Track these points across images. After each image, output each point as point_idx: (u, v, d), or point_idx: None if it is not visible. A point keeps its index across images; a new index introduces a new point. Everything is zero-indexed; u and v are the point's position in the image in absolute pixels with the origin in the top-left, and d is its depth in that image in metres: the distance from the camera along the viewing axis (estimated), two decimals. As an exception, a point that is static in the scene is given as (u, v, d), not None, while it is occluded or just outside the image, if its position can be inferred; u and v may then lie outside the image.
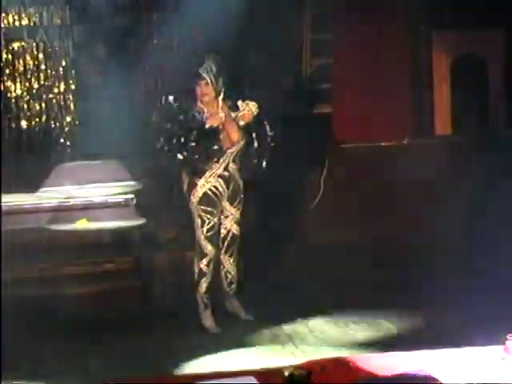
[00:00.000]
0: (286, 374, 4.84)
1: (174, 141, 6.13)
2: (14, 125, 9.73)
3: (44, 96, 9.83)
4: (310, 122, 9.33)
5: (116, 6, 9.75)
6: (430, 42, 9.12)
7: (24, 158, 9.37)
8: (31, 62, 9.77)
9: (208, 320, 6.38)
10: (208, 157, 6.22)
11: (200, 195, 6.32)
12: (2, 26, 9.56)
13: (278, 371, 4.94)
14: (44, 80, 9.82)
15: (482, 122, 9.17)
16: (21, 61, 9.77)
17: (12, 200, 7.91)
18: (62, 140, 9.83)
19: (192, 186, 6.32)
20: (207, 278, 6.41)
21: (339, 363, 5.39)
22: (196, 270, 6.41)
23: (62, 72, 9.84)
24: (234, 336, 6.27)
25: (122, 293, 6.95)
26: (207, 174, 6.29)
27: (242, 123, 6.32)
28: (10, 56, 9.71)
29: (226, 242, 6.52)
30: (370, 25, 8.88)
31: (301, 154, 8.67)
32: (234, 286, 6.60)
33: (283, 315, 6.57)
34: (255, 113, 6.36)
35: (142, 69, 9.84)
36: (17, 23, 9.71)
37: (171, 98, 6.30)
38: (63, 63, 9.83)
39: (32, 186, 8.26)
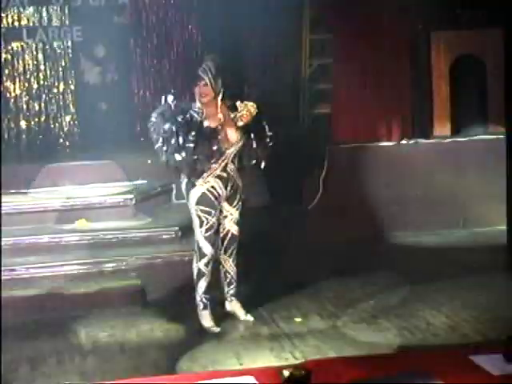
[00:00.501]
0: (286, 373, 4.84)
1: (173, 141, 6.11)
2: (13, 125, 9.73)
3: (43, 96, 9.83)
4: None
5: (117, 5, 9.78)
6: (428, 42, 9.12)
7: (23, 157, 9.38)
8: (30, 62, 9.77)
9: (206, 320, 6.37)
10: (207, 157, 6.19)
11: (198, 195, 6.29)
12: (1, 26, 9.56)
13: (277, 371, 4.94)
14: (43, 80, 9.82)
15: (481, 122, 9.17)
16: (20, 61, 9.76)
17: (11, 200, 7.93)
18: (61, 140, 9.84)
19: (190, 185, 6.31)
20: (206, 278, 6.40)
21: (339, 363, 5.39)
22: (195, 270, 6.40)
23: (61, 72, 9.84)
24: (234, 336, 6.26)
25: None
26: (206, 174, 6.26)
27: (240, 124, 6.30)
28: (9, 56, 9.71)
29: (225, 242, 6.50)
30: (369, 25, 8.88)
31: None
32: (233, 286, 6.55)
33: (282, 315, 6.57)
34: (254, 113, 6.33)
35: (145, 68, 9.85)
36: (16, 23, 9.71)
37: (170, 98, 6.24)
38: (62, 63, 9.83)
39: (32, 186, 8.26)
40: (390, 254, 7.96)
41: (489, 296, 6.73)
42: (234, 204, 6.45)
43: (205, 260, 6.37)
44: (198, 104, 6.25)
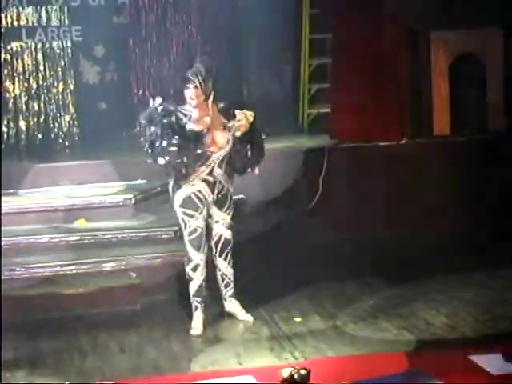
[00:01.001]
0: (285, 373, 4.85)
1: (157, 144, 6.03)
2: (12, 125, 9.73)
3: (42, 96, 9.82)
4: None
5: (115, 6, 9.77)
6: (428, 42, 9.11)
7: (23, 157, 9.38)
8: (30, 62, 9.77)
9: (194, 321, 6.33)
10: (190, 161, 6.07)
11: (183, 197, 6.22)
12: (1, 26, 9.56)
13: (277, 371, 4.95)
14: (42, 80, 9.81)
15: (481, 122, 9.17)
16: (19, 61, 9.76)
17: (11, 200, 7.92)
18: (60, 140, 9.83)
19: (176, 187, 6.24)
20: (194, 282, 6.34)
21: (338, 363, 5.40)
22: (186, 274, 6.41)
23: (60, 72, 9.83)
24: (234, 336, 6.27)
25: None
26: (191, 176, 6.17)
27: (238, 134, 6.25)
28: (8, 56, 9.70)
29: (218, 247, 6.44)
30: (368, 25, 8.87)
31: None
32: (230, 287, 6.51)
33: (282, 315, 6.57)
34: (251, 121, 6.30)
35: (144, 68, 9.85)
36: (15, 23, 9.71)
37: (157, 100, 6.17)
38: (62, 63, 9.83)
39: (31, 186, 8.26)
40: (390, 254, 7.95)
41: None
42: (225, 209, 6.39)
43: (191, 265, 6.34)
44: (187, 107, 6.16)
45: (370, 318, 6.42)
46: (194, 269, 6.32)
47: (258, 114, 10.06)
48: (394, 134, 8.98)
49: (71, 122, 9.83)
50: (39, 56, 9.76)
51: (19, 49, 9.73)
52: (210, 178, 6.23)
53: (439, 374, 4.86)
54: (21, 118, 9.74)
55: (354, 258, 7.83)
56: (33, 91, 9.77)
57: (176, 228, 7.57)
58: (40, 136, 9.80)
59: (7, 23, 9.64)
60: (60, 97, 9.83)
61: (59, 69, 9.81)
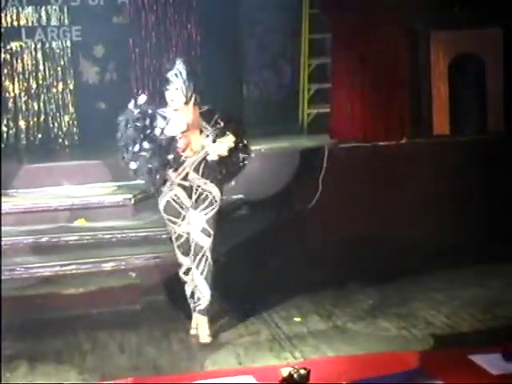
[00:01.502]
0: (285, 373, 4.86)
1: (130, 148, 5.87)
2: (12, 124, 9.74)
3: (42, 96, 9.83)
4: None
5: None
6: (428, 42, 9.11)
7: (22, 157, 9.38)
8: (29, 62, 9.77)
9: (194, 322, 6.26)
10: (161, 166, 5.89)
11: (164, 203, 6.11)
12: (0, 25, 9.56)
13: (276, 370, 4.95)
14: (42, 80, 9.82)
15: (481, 122, 9.17)
16: (19, 61, 9.77)
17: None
18: (60, 140, 9.83)
19: (159, 192, 6.12)
20: (189, 285, 6.26)
21: (338, 363, 5.40)
22: None
23: (60, 72, 9.84)
24: (234, 336, 6.26)
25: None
26: (168, 181, 6.04)
27: (210, 158, 5.96)
28: (8, 56, 9.71)
29: (192, 252, 6.14)
30: (368, 25, 8.87)
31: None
32: (200, 302, 6.15)
33: (282, 315, 6.57)
34: (232, 145, 5.98)
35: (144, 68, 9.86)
36: (15, 23, 9.71)
37: (138, 100, 5.95)
38: (61, 63, 9.83)
39: (31, 186, 8.26)
40: (389, 254, 7.96)
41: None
42: (200, 209, 6.07)
43: (182, 269, 6.27)
44: (168, 108, 5.99)
45: (369, 317, 6.43)
46: (186, 272, 6.24)
47: (258, 114, 10.16)
48: (394, 133, 8.98)
49: (71, 122, 9.84)
50: (39, 56, 9.77)
51: (19, 48, 9.74)
52: (186, 183, 6.04)
53: (439, 374, 4.86)
54: (20, 117, 9.75)
55: (353, 257, 7.83)
56: (32, 91, 9.77)
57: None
58: (40, 136, 9.80)
59: (7, 23, 9.65)
60: (60, 97, 9.84)
61: (59, 69, 9.82)
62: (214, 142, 5.97)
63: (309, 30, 9.93)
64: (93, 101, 9.90)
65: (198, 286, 6.13)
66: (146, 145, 5.84)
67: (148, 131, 5.86)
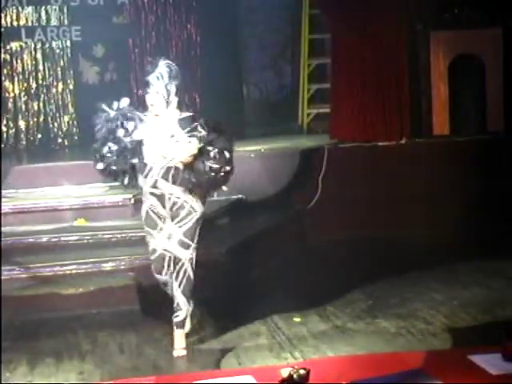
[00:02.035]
0: (285, 373, 4.85)
1: (100, 149, 5.71)
2: (12, 124, 9.74)
3: (42, 96, 9.83)
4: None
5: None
6: (427, 42, 9.12)
7: (22, 157, 9.39)
8: (29, 62, 9.78)
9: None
10: (126, 171, 5.70)
11: (143, 214, 5.83)
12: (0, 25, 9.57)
13: (276, 371, 4.95)
14: (42, 80, 9.83)
15: (481, 122, 9.17)
16: (19, 61, 9.77)
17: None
18: (60, 140, 9.84)
19: (139, 201, 5.95)
20: (171, 297, 5.91)
21: (338, 363, 5.40)
22: None
23: (59, 72, 9.85)
24: (233, 336, 6.26)
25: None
26: (143, 190, 5.78)
27: (177, 164, 5.66)
28: (7, 56, 9.72)
29: (171, 265, 5.84)
30: (368, 24, 8.88)
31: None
32: (178, 314, 5.86)
33: (282, 315, 6.57)
34: (195, 152, 5.60)
35: (143, 68, 9.84)
36: (15, 23, 9.72)
37: (121, 103, 5.82)
38: (61, 63, 9.84)
39: (31, 186, 8.27)
40: (389, 254, 7.96)
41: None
42: (176, 223, 5.75)
43: (160, 282, 5.98)
44: (148, 113, 5.76)
45: (369, 317, 6.42)
46: (164, 285, 5.93)
47: (258, 114, 10.17)
48: (394, 133, 8.99)
49: (70, 122, 9.86)
50: (39, 56, 9.79)
51: (19, 49, 9.76)
52: (157, 192, 5.71)
53: (439, 374, 4.86)
54: (20, 117, 9.76)
55: (353, 257, 7.83)
56: (32, 91, 9.79)
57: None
58: (39, 136, 9.82)
59: (7, 23, 9.66)
60: (59, 97, 9.86)
61: (59, 69, 9.84)
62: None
63: (309, 30, 9.95)
64: (93, 101, 9.88)
65: (176, 299, 5.83)
66: (112, 146, 5.67)
67: (120, 134, 5.68)
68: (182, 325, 5.87)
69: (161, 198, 5.73)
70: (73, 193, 8.19)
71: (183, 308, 5.84)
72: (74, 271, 7.10)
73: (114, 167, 5.73)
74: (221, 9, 9.56)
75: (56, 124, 9.85)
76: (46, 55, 9.81)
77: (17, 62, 9.77)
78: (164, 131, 5.68)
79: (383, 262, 7.72)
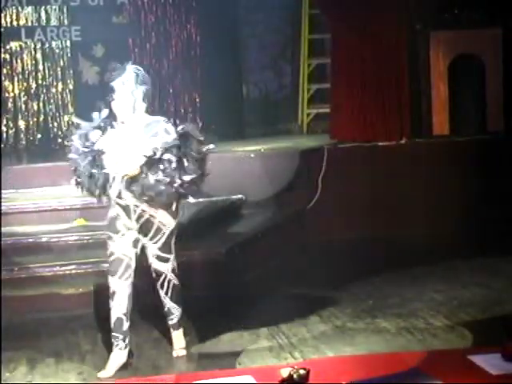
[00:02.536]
0: (285, 373, 4.86)
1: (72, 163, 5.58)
2: (11, 124, 9.74)
3: (42, 96, 9.83)
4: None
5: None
6: (427, 42, 9.13)
7: (22, 157, 9.38)
8: (29, 62, 9.78)
9: (109, 361, 5.66)
10: (88, 181, 5.51)
11: (108, 219, 5.67)
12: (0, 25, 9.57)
13: (276, 371, 4.95)
14: (42, 80, 9.82)
15: (480, 122, 9.18)
16: (18, 61, 9.77)
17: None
18: (59, 140, 9.84)
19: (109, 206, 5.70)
20: (113, 313, 5.61)
21: (338, 363, 5.40)
22: None
23: (59, 72, 9.84)
24: (233, 336, 6.27)
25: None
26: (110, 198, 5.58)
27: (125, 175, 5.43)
28: (7, 56, 9.71)
29: (153, 275, 5.75)
30: (368, 24, 8.88)
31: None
32: (171, 317, 5.82)
33: (282, 315, 6.57)
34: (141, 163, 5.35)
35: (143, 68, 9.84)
36: (14, 23, 9.72)
37: (102, 113, 5.58)
38: (61, 63, 9.84)
39: (31, 186, 8.26)
40: (389, 254, 7.97)
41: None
42: (149, 237, 5.58)
43: (110, 291, 5.61)
44: (116, 121, 5.53)
45: (369, 317, 6.42)
46: (112, 296, 5.61)
47: (258, 114, 10.16)
48: (394, 133, 8.99)
49: (70, 122, 9.85)
50: (38, 56, 9.79)
51: (18, 48, 9.75)
52: (122, 202, 5.51)
53: (439, 374, 4.86)
54: (20, 117, 9.76)
55: (353, 257, 7.83)
56: (32, 91, 9.78)
57: (175, 228, 7.58)
58: (39, 136, 9.81)
59: (6, 23, 9.66)
60: (59, 97, 9.85)
61: (58, 69, 9.83)
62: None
63: (309, 30, 9.95)
64: (92, 101, 9.88)
65: (166, 305, 5.79)
66: (74, 156, 5.53)
67: (81, 144, 5.50)
68: (177, 326, 5.85)
69: (126, 209, 5.53)
70: (73, 193, 8.16)
71: (175, 312, 5.83)
72: (73, 271, 7.11)
73: (77, 178, 5.61)
74: (221, 9, 9.56)
75: (56, 124, 9.85)
76: (45, 55, 9.80)
77: (16, 62, 9.76)
78: (127, 139, 5.43)
79: (383, 261, 7.72)
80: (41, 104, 9.84)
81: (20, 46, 9.76)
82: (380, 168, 8.78)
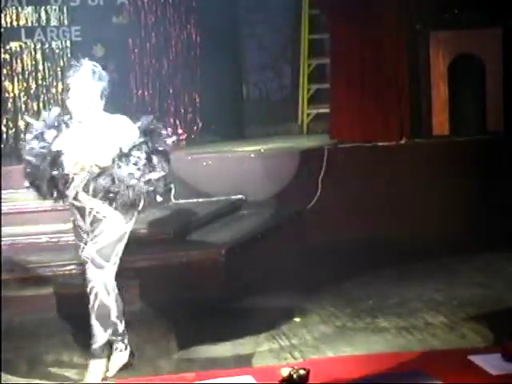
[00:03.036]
0: (285, 373, 4.85)
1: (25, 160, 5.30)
2: (11, 124, 9.74)
3: (42, 96, 9.83)
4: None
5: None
6: (427, 42, 9.13)
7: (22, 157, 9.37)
8: (29, 62, 9.77)
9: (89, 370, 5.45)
10: (44, 183, 5.22)
11: (72, 224, 5.51)
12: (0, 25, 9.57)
13: (276, 371, 4.95)
14: (42, 80, 9.82)
15: (480, 122, 9.18)
16: (18, 61, 9.77)
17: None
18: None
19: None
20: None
21: (338, 363, 5.40)
22: None
23: (59, 72, 9.84)
24: (232, 336, 6.27)
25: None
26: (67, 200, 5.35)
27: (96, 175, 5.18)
28: (7, 56, 9.71)
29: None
30: (367, 24, 8.88)
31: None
32: (93, 341, 5.36)
33: (282, 315, 6.58)
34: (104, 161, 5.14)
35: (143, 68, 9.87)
36: (14, 23, 9.71)
37: (52, 111, 5.35)
38: (61, 63, 9.83)
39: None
40: (389, 254, 7.97)
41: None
42: (92, 239, 5.30)
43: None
44: (72, 121, 5.31)
45: (369, 317, 6.42)
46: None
47: (258, 114, 10.16)
48: (394, 134, 8.99)
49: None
50: (38, 56, 9.78)
51: (18, 49, 9.74)
52: (77, 204, 5.28)
53: (439, 374, 4.86)
54: (20, 117, 9.75)
55: (353, 257, 7.83)
56: (32, 91, 9.77)
57: (175, 228, 7.59)
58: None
59: (6, 23, 9.65)
60: (59, 97, 9.84)
61: (58, 69, 9.82)
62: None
63: (309, 30, 9.95)
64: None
65: (93, 326, 5.33)
66: (31, 159, 5.23)
67: (36, 144, 5.22)
68: (97, 354, 5.35)
69: (81, 211, 5.31)
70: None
71: (97, 334, 5.33)
72: (73, 271, 7.10)
73: (30, 180, 5.28)
74: (221, 9, 9.55)
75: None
76: (45, 55, 9.79)
77: (16, 62, 9.75)
78: (85, 139, 5.20)
79: (383, 262, 7.72)
80: (41, 104, 9.83)
81: (20, 46, 9.75)
82: (380, 168, 8.78)
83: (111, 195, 5.15)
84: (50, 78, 9.83)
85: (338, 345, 5.89)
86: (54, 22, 9.76)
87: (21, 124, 9.74)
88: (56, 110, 5.36)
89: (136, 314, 6.72)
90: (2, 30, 9.59)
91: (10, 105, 9.74)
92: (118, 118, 5.28)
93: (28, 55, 9.76)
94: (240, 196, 8.44)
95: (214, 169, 8.62)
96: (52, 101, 9.82)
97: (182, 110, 9.97)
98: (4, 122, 9.69)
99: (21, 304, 6.75)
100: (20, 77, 9.77)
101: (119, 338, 5.47)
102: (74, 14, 9.74)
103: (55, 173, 5.19)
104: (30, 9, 9.72)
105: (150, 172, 5.14)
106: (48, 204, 7.82)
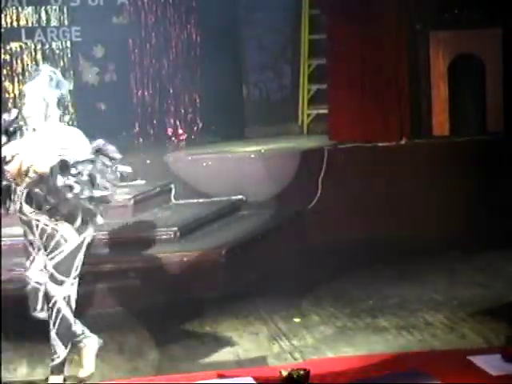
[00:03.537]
0: (285, 373, 4.85)
1: None
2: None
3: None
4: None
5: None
6: (427, 42, 9.13)
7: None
8: (29, 63, 9.78)
9: None
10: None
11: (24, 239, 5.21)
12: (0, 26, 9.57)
13: (276, 371, 4.95)
14: (42, 80, 9.82)
15: (480, 122, 9.17)
16: (19, 61, 9.77)
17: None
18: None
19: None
20: None
21: (338, 363, 5.40)
22: None
23: (60, 72, 9.83)
24: (232, 336, 6.27)
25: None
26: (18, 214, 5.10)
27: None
28: (7, 56, 9.72)
29: (46, 302, 5.14)
30: (367, 24, 8.88)
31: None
32: (54, 357, 5.17)
33: (282, 315, 6.57)
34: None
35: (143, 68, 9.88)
36: (15, 24, 9.72)
37: (11, 114, 5.11)
38: (61, 63, 9.84)
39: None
40: (389, 254, 7.96)
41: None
42: (48, 255, 5.03)
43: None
44: (27, 128, 5.07)
45: (369, 317, 6.42)
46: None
47: (258, 115, 10.17)
48: (394, 134, 8.99)
49: (70, 123, 9.84)
50: (38, 56, 9.78)
51: (19, 49, 9.75)
52: (24, 217, 5.06)
53: (438, 375, 4.86)
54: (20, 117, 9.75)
55: (353, 257, 7.83)
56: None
57: (175, 228, 7.59)
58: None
59: (7, 23, 9.66)
60: (59, 97, 9.84)
61: (58, 69, 9.79)
62: None
63: (309, 30, 9.95)
64: (92, 101, 9.90)
65: (51, 340, 5.13)
66: None
67: None
68: (58, 370, 5.17)
69: (29, 225, 5.06)
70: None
71: (58, 352, 5.13)
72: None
73: None
74: (221, 9, 9.56)
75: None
76: (46, 56, 9.80)
77: (17, 63, 9.76)
78: (35, 147, 4.93)
79: (383, 262, 7.72)
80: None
81: (20, 46, 9.76)
82: (380, 168, 8.78)
83: (48, 207, 4.90)
84: (50, 78, 9.83)
85: (338, 345, 5.89)
86: (54, 23, 9.77)
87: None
88: (14, 113, 5.12)
89: (136, 315, 6.73)
90: (3, 30, 9.60)
91: (10, 105, 9.74)
92: (72, 130, 5.12)
93: (28, 56, 9.77)
94: (240, 196, 8.45)
95: (214, 169, 8.62)
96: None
97: (182, 111, 9.98)
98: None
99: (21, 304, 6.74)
100: (20, 77, 9.77)
101: (81, 336, 5.32)
102: (74, 15, 9.76)
103: (4, 183, 4.98)
104: (30, 9, 9.73)
105: (92, 190, 4.89)
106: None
